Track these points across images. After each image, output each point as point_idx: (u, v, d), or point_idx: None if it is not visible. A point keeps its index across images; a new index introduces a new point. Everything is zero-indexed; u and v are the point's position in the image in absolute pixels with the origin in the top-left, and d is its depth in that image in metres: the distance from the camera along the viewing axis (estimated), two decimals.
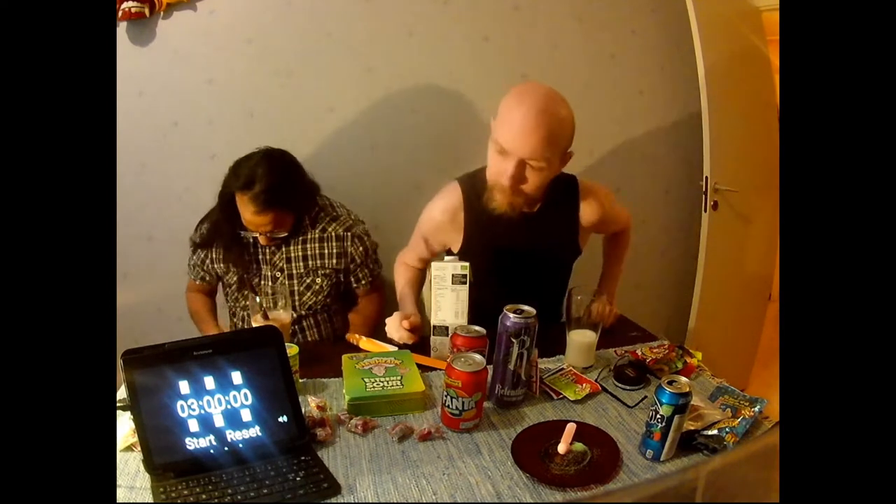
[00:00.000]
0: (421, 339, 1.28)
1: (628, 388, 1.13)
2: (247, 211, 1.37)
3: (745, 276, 2.32)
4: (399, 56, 1.89)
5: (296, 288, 1.52)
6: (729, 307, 2.26)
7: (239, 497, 0.81)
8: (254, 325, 1.23)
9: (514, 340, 1.03)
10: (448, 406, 0.97)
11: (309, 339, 1.58)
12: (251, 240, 1.49)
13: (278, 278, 1.51)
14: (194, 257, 1.55)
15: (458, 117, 1.93)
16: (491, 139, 1.19)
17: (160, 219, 1.89)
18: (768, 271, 2.41)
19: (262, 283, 1.51)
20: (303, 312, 1.54)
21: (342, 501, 0.82)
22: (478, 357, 1.00)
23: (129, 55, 1.72)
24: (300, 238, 1.50)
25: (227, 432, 0.89)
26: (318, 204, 1.52)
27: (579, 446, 0.93)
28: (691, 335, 2.19)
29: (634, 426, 1.01)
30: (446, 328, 1.22)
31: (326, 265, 1.52)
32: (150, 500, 0.81)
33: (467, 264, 1.20)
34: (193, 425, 0.87)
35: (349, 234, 1.52)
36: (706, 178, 2.02)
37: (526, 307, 1.05)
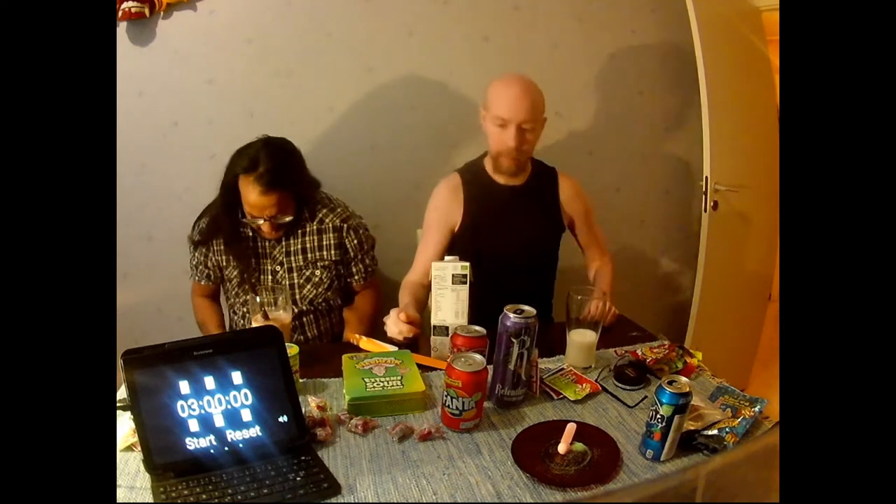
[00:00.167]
0: (419, 339, 1.28)
1: (628, 388, 1.13)
2: (252, 193, 1.37)
3: (745, 276, 2.32)
4: (399, 56, 1.89)
5: (296, 281, 1.52)
6: (729, 307, 2.26)
7: (239, 497, 0.81)
8: (254, 324, 1.23)
9: (514, 340, 1.03)
10: (448, 406, 0.97)
11: (308, 334, 1.58)
12: (251, 233, 1.49)
13: (278, 272, 1.51)
14: (196, 255, 1.55)
15: (457, 117, 1.93)
16: (487, 120, 1.46)
17: (160, 219, 1.89)
18: (768, 271, 2.41)
19: (263, 277, 1.51)
20: (304, 307, 1.54)
21: (342, 501, 0.82)
22: (478, 357, 1.00)
23: (129, 55, 1.72)
24: (299, 231, 1.51)
25: (228, 432, 0.89)
26: (316, 196, 1.53)
27: (579, 446, 0.93)
28: (691, 335, 2.19)
29: (634, 426, 1.01)
30: (446, 328, 1.22)
31: (325, 257, 1.53)
32: (150, 500, 0.81)
33: (467, 264, 1.20)
34: (193, 425, 0.87)
35: (345, 225, 1.54)
36: (706, 178, 2.02)
37: (526, 307, 1.05)
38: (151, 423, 0.85)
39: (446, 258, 1.23)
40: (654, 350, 1.22)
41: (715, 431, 0.94)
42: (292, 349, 1.05)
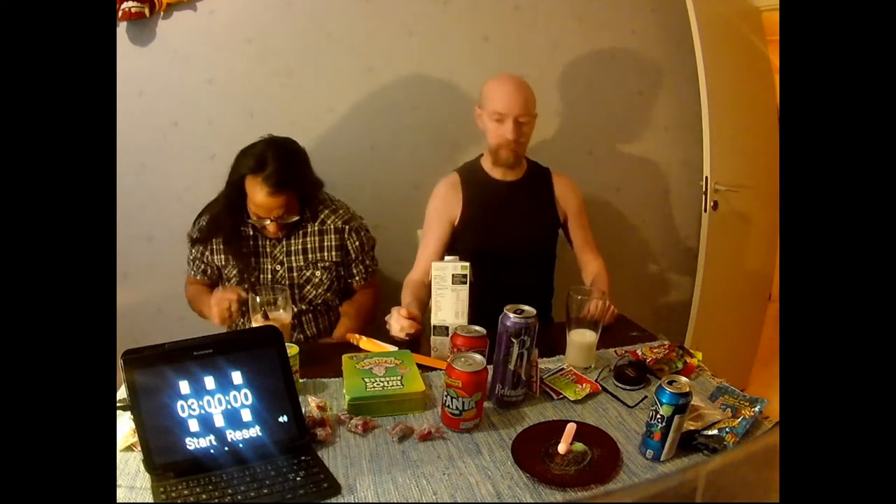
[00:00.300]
0: (419, 338, 1.28)
1: (628, 388, 1.13)
2: (259, 193, 1.37)
3: (745, 276, 2.32)
4: (399, 56, 1.89)
5: (296, 281, 1.52)
6: (729, 307, 2.26)
7: (239, 497, 0.81)
8: (254, 324, 1.23)
9: (514, 340, 1.03)
10: (448, 406, 0.97)
11: (308, 333, 1.58)
12: (251, 232, 1.49)
13: (278, 271, 1.51)
14: (194, 251, 1.55)
15: (457, 117, 1.93)
16: (484, 117, 1.53)
17: (160, 219, 1.89)
18: (768, 271, 2.41)
19: (262, 277, 1.51)
20: (303, 307, 1.54)
21: (342, 501, 0.82)
22: (478, 357, 1.00)
23: (129, 55, 1.72)
24: (300, 231, 1.51)
25: (228, 432, 0.89)
26: (318, 197, 1.53)
27: (579, 446, 0.93)
28: (691, 335, 2.19)
29: (634, 426, 1.01)
30: (446, 328, 1.22)
31: (326, 258, 1.53)
32: (150, 500, 0.81)
33: (467, 264, 1.20)
34: (193, 425, 0.87)
35: (347, 227, 1.54)
36: (706, 178, 2.02)
37: (526, 307, 1.05)
38: (151, 423, 0.85)
39: (446, 258, 1.23)
40: (654, 350, 1.22)
41: (715, 431, 0.94)
42: (292, 349, 1.05)
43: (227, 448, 0.88)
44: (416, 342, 1.29)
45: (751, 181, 2.10)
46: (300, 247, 1.51)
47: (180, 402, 0.87)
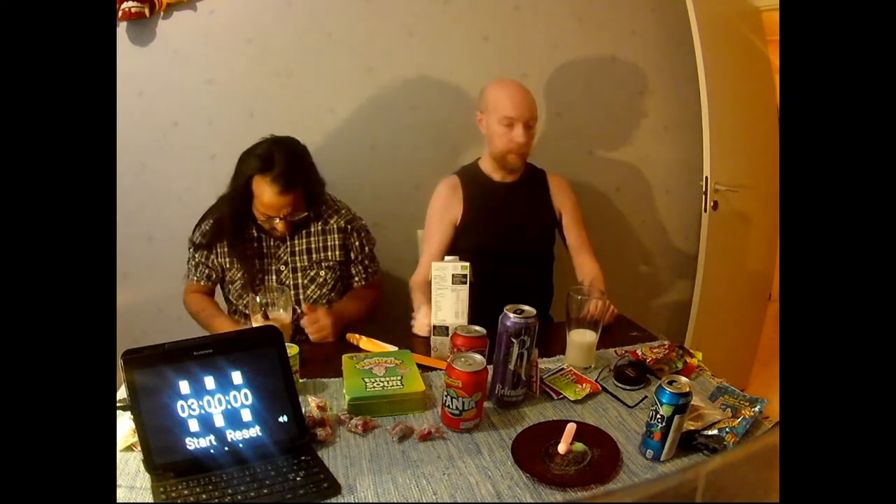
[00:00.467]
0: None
1: (628, 388, 1.13)
2: (268, 193, 1.37)
3: (745, 275, 2.32)
4: (399, 56, 1.89)
5: (300, 281, 1.52)
6: (729, 307, 2.26)
7: (239, 497, 0.81)
8: (254, 325, 1.23)
9: (514, 340, 1.03)
10: (448, 406, 0.97)
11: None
12: (255, 234, 1.49)
13: (283, 271, 1.51)
14: (196, 256, 1.54)
15: (457, 117, 1.93)
16: (491, 122, 1.53)
17: (160, 219, 1.89)
18: (768, 271, 2.41)
19: (267, 277, 1.51)
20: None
21: (342, 501, 0.82)
22: (478, 357, 1.00)
23: (129, 55, 1.72)
24: (304, 231, 1.51)
25: (228, 432, 0.89)
26: (321, 197, 1.53)
27: (579, 446, 0.93)
28: (691, 335, 2.19)
29: (634, 426, 1.01)
30: (446, 328, 1.22)
31: (329, 257, 1.53)
32: (150, 500, 0.81)
33: (467, 264, 1.21)
34: (193, 425, 0.87)
35: (349, 226, 1.55)
36: (706, 178, 2.02)
37: (526, 307, 1.05)
38: (151, 423, 0.85)
39: (446, 258, 1.23)
40: (654, 350, 1.22)
41: (715, 431, 0.94)
42: (292, 349, 1.05)
43: (227, 448, 0.88)
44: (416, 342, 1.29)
45: (751, 181, 2.10)
46: (304, 247, 1.52)
47: (180, 402, 0.87)
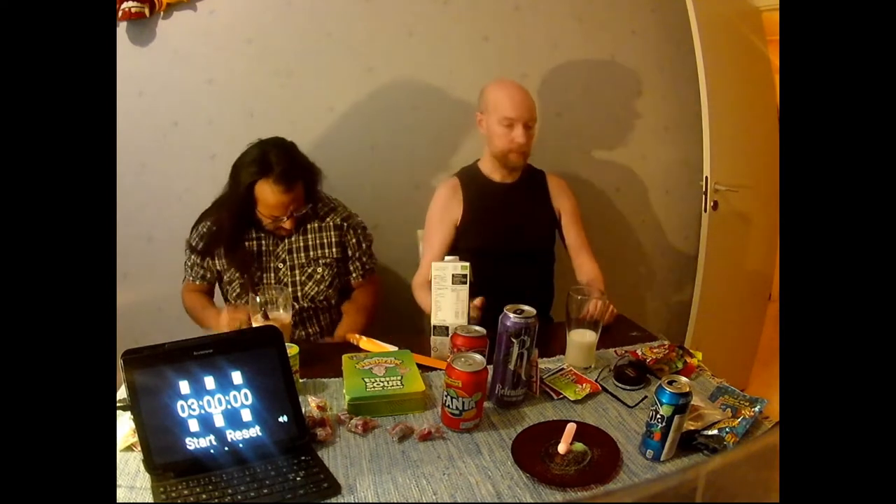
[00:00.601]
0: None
1: (628, 388, 1.14)
2: (273, 195, 1.38)
3: (745, 275, 2.32)
4: (399, 56, 1.89)
5: (298, 278, 1.53)
6: (729, 307, 2.26)
7: (239, 497, 0.81)
8: (254, 325, 1.23)
9: (514, 340, 1.03)
10: (448, 406, 0.97)
11: (309, 330, 1.58)
12: (254, 234, 1.50)
13: (281, 269, 1.51)
14: (193, 258, 1.54)
15: (457, 117, 1.93)
16: (491, 122, 1.54)
17: (160, 219, 1.89)
18: (768, 271, 2.41)
19: (265, 276, 1.52)
20: (305, 304, 1.55)
21: (342, 501, 0.82)
22: (478, 357, 1.00)
23: (129, 55, 1.72)
24: (301, 229, 1.52)
25: (228, 432, 0.89)
26: (318, 195, 1.55)
27: (579, 446, 0.93)
28: (691, 335, 2.19)
29: (634, 426, 1.01)
30: (446, 328, 1.22)
31: (327, 254, 1.54)
32: (150, 500, 0.81)
33: (467, 264, 1.21)
34: (193, 425, 0.87)
35: (346, 223, 1.56)
36: (706, 178, 2.02)
37: (526, 307, 1.05)
38: (151, 423, 0.85)
39: (446, 258, 1.23)
40: (654, 350, 1.22)
41: (715, 431, 0.94)
42: (292, 349, 1.05)
43: (227, 448, 0.88)
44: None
45: (751, 181, 2.10)
46: (302, 244, 1.52)
47: (180, 402, 0.87)
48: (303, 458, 0.89)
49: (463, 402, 0.96)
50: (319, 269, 1.54)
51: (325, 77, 1.86)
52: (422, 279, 1.54)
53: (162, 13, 1.71)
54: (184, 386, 0.87)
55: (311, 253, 1.53)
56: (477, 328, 1.11)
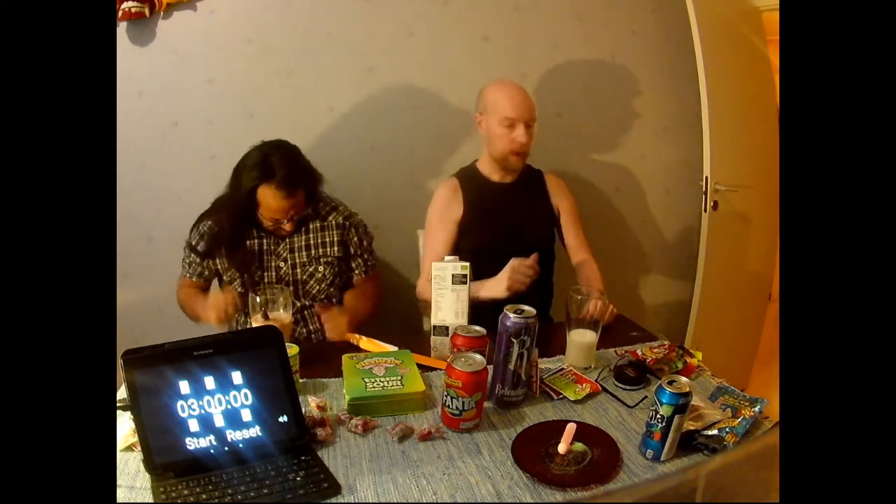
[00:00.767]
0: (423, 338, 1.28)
1: (628, 388, 1.14)
2: (275, 199, 1.38)
3: (745, 275, 2.32)
4: (399, 56, 1.89)
5: (299, 277, 1.53)
6: (729, 307, 2.26)
7: (239, 497, 0.81)
8: (254, 325, 1.23)
9: (514, 340, 1.03)
10: (448, 406, 0.97)
11: (311, 327, 1.59)
12: (255, 234, 1.50)
13: (282, 268, 1.52)
14: (192, 256, 1.54)
15: (457, 117, 1.93)
16: (491, 123, 1.53)
17: (160, 219, 1.89)
18: (768, 271, 2.41)
19: (266, 274, 1.52)
20: (306, 302, 1.55)
21: (342, 501, 0.82)
22: (478, 357, 1.00)
23: (129, 55, 1.72)
24: (302, 228, 1.53)
25: (228, 432, 0.89)
26: (320, 195, 1.55)
27: (579, 446, 0.93)
28: (691, 335, 2.19)
29: (634, 426, 1.01)
30: (446, 328, 1.22)
31: (328, 253, 1.54)
32: (150, 500, 0.81)
33: (467, 264, 1.21)
34: (193, 425, 0.87)
35: (347, 222, 1.57)
36: (706, 178, 2.02)
37: (526, 307, 1.05)
38: (151, 423, 0.85)
39: (446, 258, 1.23)
40: (654, 350, 1.22)
41: (715, 431, 0.94)
42: (292, 349, 1.05)
43: (227, 448, 0.88)
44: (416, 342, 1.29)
45: (751, 181, 2.10)
46: (303, 243, 1.53)
47: (180, 402, 0.87)
48: (303, 458, 0.89)
49: (463, 402, 0.96)
50: (321, 268, 1.54)
51: (325, 77, 1.86)
52: (427, 280, 1.54)
53: (162, 13, 1.71)
54: (184, 386, 0.87)
55: (313, 252, 1.54)
56: (477, 328, 1.11)
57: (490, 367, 1.04)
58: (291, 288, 1.48)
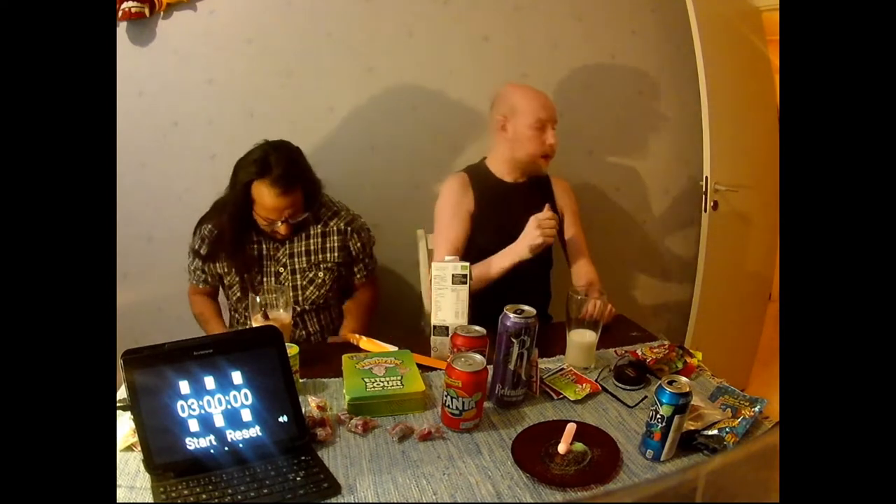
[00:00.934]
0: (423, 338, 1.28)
1: (628, 388, 1.14)
2: (269, 196, 1.38)
3: (745, 276, 2.32)
4: (399, 56, 1.89)
5: (298, 283, 1.53)
6: (729, 307, 2.26)
7: (239, 497, 0.81)
8: (254, 324, 1.23)
9: (514, 340, 1.03)
10: (448, 406, 0.97)
11: (311, 330, 1.59)
12: (255, 237, 1.50)
13: (282, 273, 1.52)
14: (195, 261, 1.55)
15: (458, 117, 1.93)
16: (518, 125, 1.51)
17: (160, 219, 1.89)
18: (768, 271, 2.41)
19: (266, 279, 1.52)
20: (305, 307, 1.55)
21: (342, 501, 0.82)
22: (478, 357, 1.00)
23: (129, 55, 1.72)
24: (303, 233, 1.52)
25: (228, 432, 0.89)
26: (320, 199, 1.54)
27: (579, 446, 0.93)
28: (691, 335, 2.19)
29: (634, 426, 1.01)
30: (446, 328, 1.22)
31: (328, 259, 1.54)
32: (150, 500, 0.81)
33: (467, 264, 1.21)
34: (193, 425, 0.87)
35: (349, 228, 1.56)
36: (706, 178, 2.02)
37: (526, 307, 1.05)
38: (151, 423, 0.85)
39: (446, 258, 1.23)
40: (654, 350, 1.22)
41: (715, 431, 0.94)
42: (292, 349, 1.05)
43: (227, 448, 0.88)
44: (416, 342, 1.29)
45: (751, 181, 2.10)
46: (303, 249, 1.52)
47: (180, 402, 0.87)
48: (303, 458, 0.89)
49: (463, 402, 0.96)
50: (321, 274, 1.54)
51: (325, 77, 1.86)
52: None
53: (162, 13, 1.71)
54: (184, 386, 0.87)
55: (313, 257, 1.53)
56: (477, 328, 1.11)
57: (490, 367, 1.04)
58: (291, 293, 1.48)
